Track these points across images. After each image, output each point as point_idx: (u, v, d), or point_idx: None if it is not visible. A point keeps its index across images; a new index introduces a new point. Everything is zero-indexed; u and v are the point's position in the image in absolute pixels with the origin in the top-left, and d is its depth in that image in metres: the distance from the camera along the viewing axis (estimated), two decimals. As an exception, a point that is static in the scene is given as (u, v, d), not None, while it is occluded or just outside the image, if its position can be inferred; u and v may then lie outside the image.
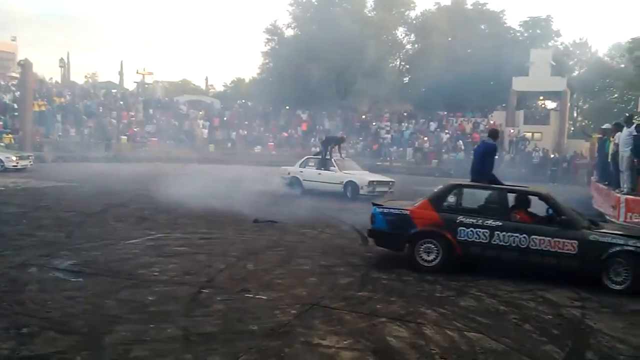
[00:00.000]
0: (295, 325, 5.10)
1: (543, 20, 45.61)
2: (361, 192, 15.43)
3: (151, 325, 4.88)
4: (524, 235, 7.13)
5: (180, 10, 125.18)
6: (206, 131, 36.04)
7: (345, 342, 4.75)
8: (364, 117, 40.60)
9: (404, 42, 47.76)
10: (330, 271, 7.25)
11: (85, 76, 72.75)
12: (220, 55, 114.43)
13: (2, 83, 31.94)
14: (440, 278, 7.10)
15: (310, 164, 17.35)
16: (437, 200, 7.79)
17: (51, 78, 44.23)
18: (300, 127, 38.82)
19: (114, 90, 41.57)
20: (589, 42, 54.07)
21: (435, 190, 8.21)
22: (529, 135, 34.99)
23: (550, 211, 7.46)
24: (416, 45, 46.93)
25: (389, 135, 36.47)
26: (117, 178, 18.83)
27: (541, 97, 42.00)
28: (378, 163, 29.14)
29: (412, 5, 45.53)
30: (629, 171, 12.66)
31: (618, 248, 6.85)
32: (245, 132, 37.76)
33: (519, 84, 36.35)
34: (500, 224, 7.26)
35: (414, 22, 46.05)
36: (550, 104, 43.22)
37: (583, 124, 51.66)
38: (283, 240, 9.31)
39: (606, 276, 6.91)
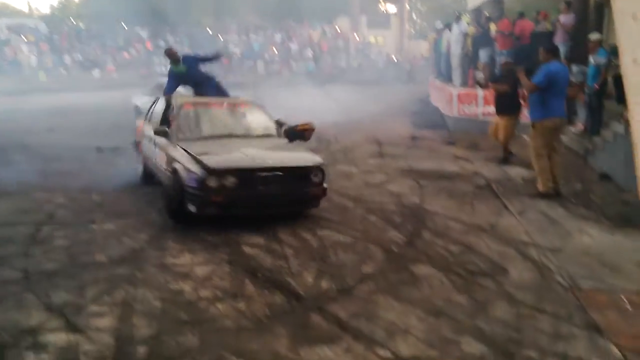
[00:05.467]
0: (146, 249, 4.94)
1: None
2: None
3: (-16, 272, 4.42)
4: None
5: None
6: (34, 58, 32.03)
7: (200, 258, 4.73)
8: (209, 30, 38.68)
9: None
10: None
11: None
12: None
13: None
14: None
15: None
16: None
17: None
18: (142, 46, 36.01)
19: None
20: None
21: None
22: (373, 40, 36.08)
23: None
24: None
25: (238, 49, 35.41)
26: None
27: (381, 1, 43.12)
28: (230, 79, 28.30)
29: None
30: (460, 68, 13.74)
31: None
32: (80, 57, 34.25)
33: (357, -11, 36.80)
34: None
35: None
36: (392, 8, 44.62)
37: (424, 24, 54.44)
38: (130, 166, 8.73)
39: None
